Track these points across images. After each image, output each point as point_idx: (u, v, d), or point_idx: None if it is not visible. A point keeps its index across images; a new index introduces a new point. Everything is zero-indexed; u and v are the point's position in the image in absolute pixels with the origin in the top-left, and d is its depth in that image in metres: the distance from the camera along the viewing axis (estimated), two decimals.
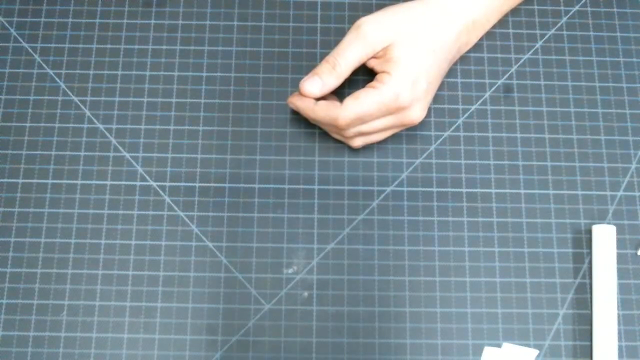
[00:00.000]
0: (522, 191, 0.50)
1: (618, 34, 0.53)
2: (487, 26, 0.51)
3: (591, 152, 0.51)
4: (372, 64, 0.46)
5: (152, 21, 0.53)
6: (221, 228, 0.48)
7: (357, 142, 0.48)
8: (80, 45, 0.52)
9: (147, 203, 0.49)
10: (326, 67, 0.45)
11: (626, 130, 0.51)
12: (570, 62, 0.53)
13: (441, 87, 0.52)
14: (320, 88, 0.45)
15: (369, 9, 0.54)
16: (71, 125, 0.50)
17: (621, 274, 0.48)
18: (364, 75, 0.51)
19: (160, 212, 0.49)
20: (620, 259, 0.48)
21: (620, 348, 0.47)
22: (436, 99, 0.51)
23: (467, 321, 0.47)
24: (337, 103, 0.45)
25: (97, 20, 0.53)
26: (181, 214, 0.49)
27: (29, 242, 0.48)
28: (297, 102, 0.47)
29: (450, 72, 0.52)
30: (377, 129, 0.46)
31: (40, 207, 0.48)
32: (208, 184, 0.49)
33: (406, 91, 0.44)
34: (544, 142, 0.51)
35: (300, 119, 0.51)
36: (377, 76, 0.45)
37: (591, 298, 0.48)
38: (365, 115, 0.44)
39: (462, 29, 0.48)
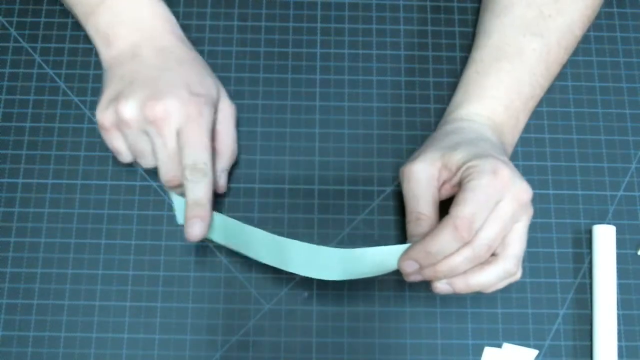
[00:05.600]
0: None
1: (618, 34, 0.53)
2: (520, 125, 0.48)
3: (591, 152, 0.51)
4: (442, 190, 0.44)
5: None
6: None
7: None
8: (80, 45, 0.52)
9: (147, 203, 0.49)
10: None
11: (626, 130, 0.51)
12: (570, 62, 0.52)
13: (441, 87, 0.52)
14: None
15: (368, 9, 0.54)
16: (71, 125, 0.50)
17: (621, 274, 0.48)
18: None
19: (160, 212, 0.49)
20: (620, 259, 0.48)
21: (620, 348, 0.47)
22: (436, 99, 0.51)
23: (467, 321, 0.47)
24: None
25: None
26: None
27: (29, 242, 0.48)
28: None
29: (451, 72, 0.52)
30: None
31: (40, 207, 0.48)
32: None
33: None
34: (544, 142, 0.51)
35: (300, 119, 0.51)
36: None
37: (591, 298, 0.48)
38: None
39: (487, 129, 0.45)
